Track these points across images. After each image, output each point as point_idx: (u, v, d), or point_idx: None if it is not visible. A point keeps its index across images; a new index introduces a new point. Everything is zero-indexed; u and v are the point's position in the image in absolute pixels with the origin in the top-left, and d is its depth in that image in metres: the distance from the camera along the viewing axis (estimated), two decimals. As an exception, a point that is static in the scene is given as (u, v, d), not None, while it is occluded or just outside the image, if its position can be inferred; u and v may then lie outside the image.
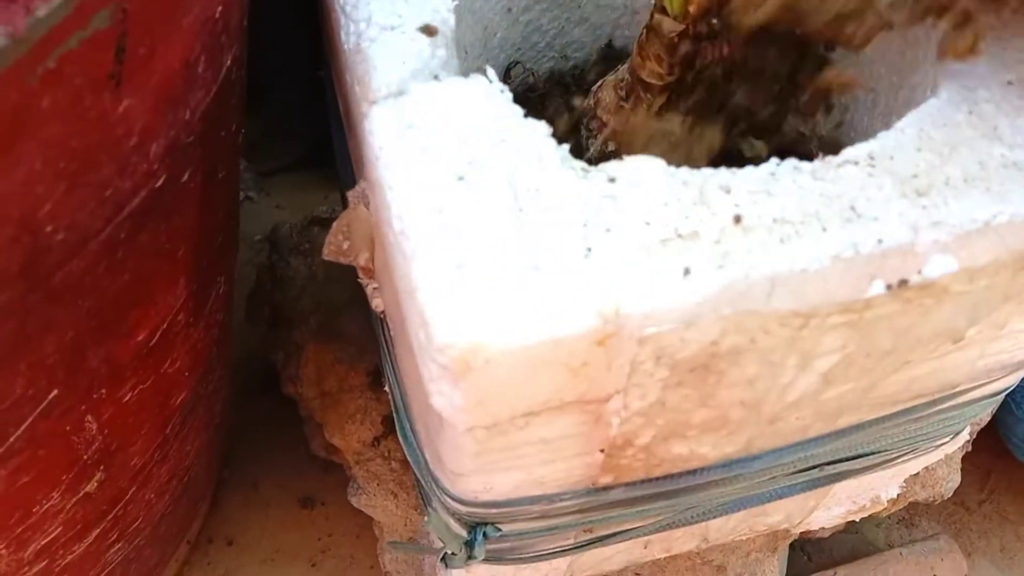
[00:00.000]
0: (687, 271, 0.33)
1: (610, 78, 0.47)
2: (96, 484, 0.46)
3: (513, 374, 0.33)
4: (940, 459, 0.72)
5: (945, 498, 0.73)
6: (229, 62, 0.42)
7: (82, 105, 0.30)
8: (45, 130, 0.29)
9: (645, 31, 0.44)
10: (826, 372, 0.38)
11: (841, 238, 0.34)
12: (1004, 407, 0.81)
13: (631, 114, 0.46)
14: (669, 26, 0.42)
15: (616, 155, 0.41)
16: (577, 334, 0.32)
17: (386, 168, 0.35)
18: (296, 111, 0.92)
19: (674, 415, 0.38)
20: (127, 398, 0.45)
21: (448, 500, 0.44)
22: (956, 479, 0.73)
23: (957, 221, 0.35)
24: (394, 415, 0.50)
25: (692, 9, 0.41)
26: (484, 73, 0.38)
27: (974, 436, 0.77)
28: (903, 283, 0.33)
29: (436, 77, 0.38)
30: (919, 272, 0.33)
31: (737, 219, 0.34)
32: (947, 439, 0.56)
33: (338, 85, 0.47)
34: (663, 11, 0.42)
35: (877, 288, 0.33)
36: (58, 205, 0.32)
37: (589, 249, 0.33)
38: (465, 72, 0.40)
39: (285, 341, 0.75)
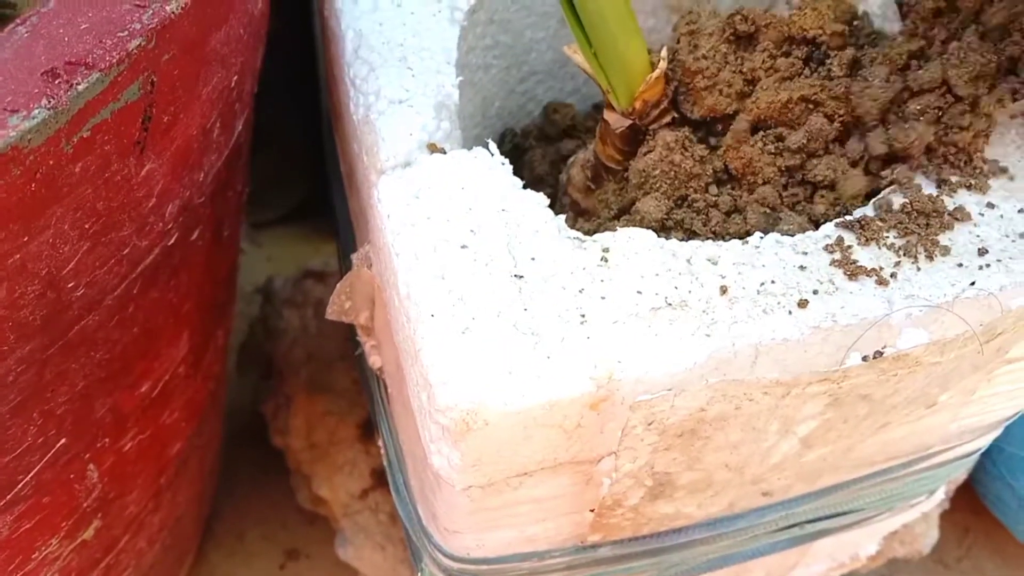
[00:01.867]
0: (678, 339, 0.35)
1: (580, 156, 0.49)
2: (93, 531, 0.47)
3: (510, 435, 0.35)
4: (917, 517, 0.73)
5: (923, 554, 0.74)
6: (240, 127, 0.44)
7: (109, 170, 0.32)
8: (75, 194, 0.31)
9: (601, 122, 0.45)
10: (806, 437, 0.40)
11: (820, 310, 0.36)
12: (979, 466, 0.83)
13: (598, 194, 0.47)
14: (615, 122, 0.44)
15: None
16: (572, 398, 0.34)
17: (393, 235, 0.37)
18: (289, 163, 0.94)
19: (662, 477, 0.40)
20: (127, 447, 0.46)
21: (440, 556, 0.45)
22: (934, 535, 0.74)
23: (928, 295, 0.37)
24: (387, 469, 0.52)
25: (638, 105, 0.43)
26: (486, 145, 0.40)
27: (951, 495, 0.78)
28: (878, 355, 0.35)
29: (442, 150, 0.40)
30: (894, 345, 0.35)
31: (723, 290, 0.36)
32: (923, 498, 0.58)
33: (343, 151, 0.49)
34: (611, 107, 0.44)
35: (854, 359, 0.35)
36: (80, 263, 0.33)
37: (584, 316, 0.35)
38: (465, 141, 0.42)
39: (275, 392, 0.76)
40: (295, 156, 0.94)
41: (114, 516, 0.49)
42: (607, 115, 0.45)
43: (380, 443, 0.53)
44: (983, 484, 0.85)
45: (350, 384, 0.73)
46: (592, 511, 0.42)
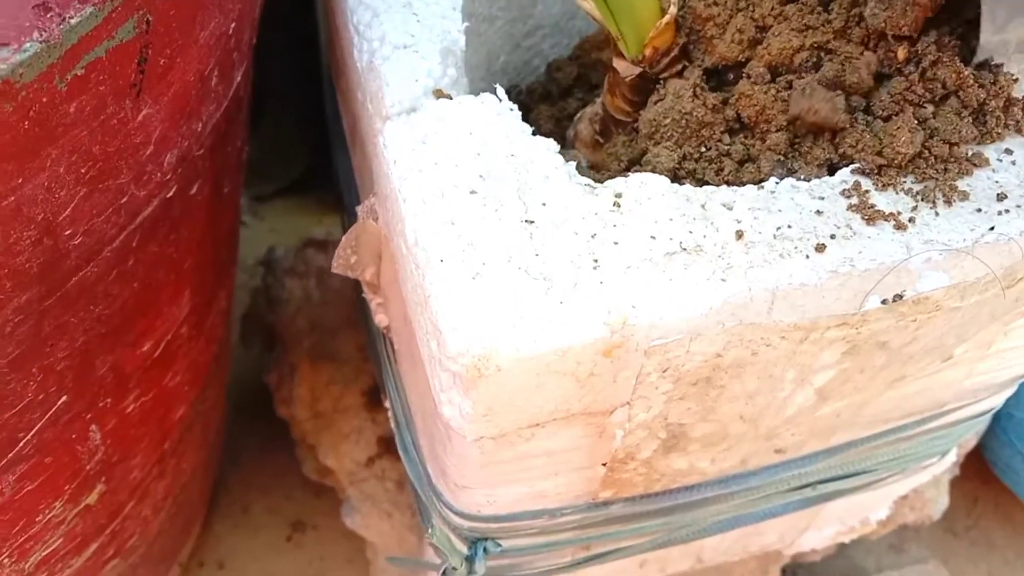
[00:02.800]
0: (692, 284, 0.34)
1: (588, 110, 0.48)
2: (97, 496, 0.46)
3: (522, 383, 0.34)
4: (928, 481, 0.73)
5: (934, 520, 0.74)
6: (239, 78, 0.43)
7: (105, 112, 0.31)
8: (70, 135, 0.30)
9: (611, 71, 0.44)
10: (822, 387, 0.39)
11: (838, 255, 0.35)
12: (990, 431, 0.82)
13: (607, 147, 0.46)
14: (625, 70, 0.43)
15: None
16: (585, 344, 0.33)
17: (400, 180, 0.36)
18: (290, 135, 0.93)
19: (676, 429, 0.39)
20: (130, 409, 0.45)
21: (450, 514, 0.45)
22: (944, 501, 0.74)
23: (947, 239, 0.36)
24: (394, 431, 0.51)
25: (648, 53, 0.42)
26: (493, 91, 0.39)
27: (961, 460, 0.78)
28: (898, 298, 0.34)
29: (448, 96, 0.39)
30: (913, 288, 0.34)
31: (739, 235, 0.35)
32: (935, 459, 0.57)
33: (346, 103, 0.48)
34: (620, 55, 0.43)
35: (873, 302, 0.34)
36: (77, 210, 0.32)
37: (597, 261, 0.34)
38: (473, 92, 0.41)
39: (279, 363, 0.76)
40: (296, 127, 0.93)
41: (118, 480, 0.48)
42: (616, 63, 0.43)
43: (387, 404, 0.52)
44: (993, 451, 0.85)
45: (355, 352, 0.72)
46: (604, 465, 0.41)
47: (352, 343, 0.73)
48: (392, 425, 0.51)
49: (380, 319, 0.47)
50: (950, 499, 0.76)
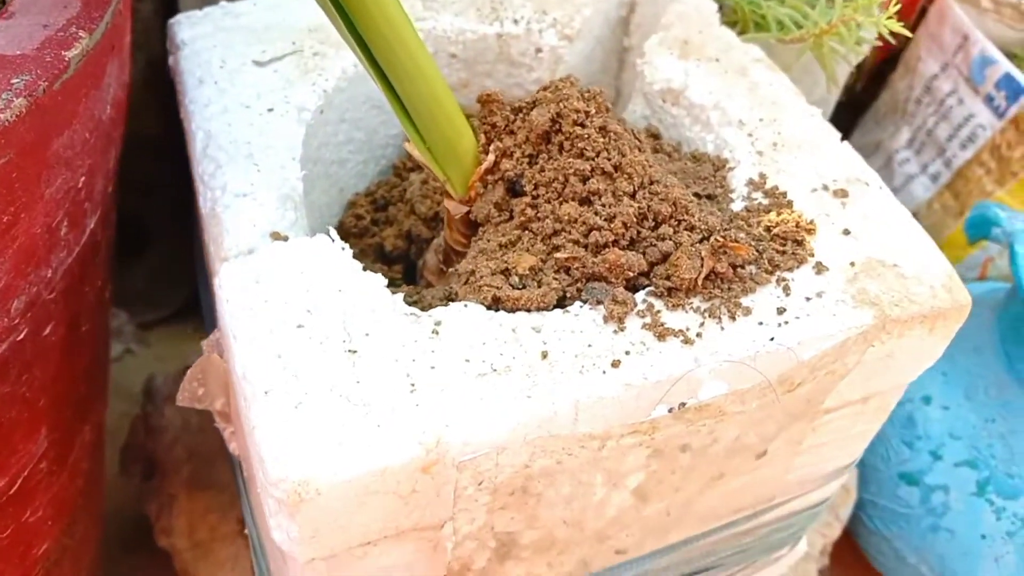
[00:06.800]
0: (501, 401, 0.38)
1: (434, 242, 0.52)
2: (-55, 641, 0.46)
3: (343, 505, 0.36)
4: (795, 573, 0.76)
5: (806, 611, 0.77)
6: (93, 224, 0.46)
7: (-57, 270, 0.34)
8: (-95, 293, 0.32)
9: (445, 209, 0.48)
10: (638, 488, 0.43)
11: (633, 369, 0.39)
12: (857, 520, 0.87)
13: (451, 275, 0.50)
14: (455, 208, 0.47)
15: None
16: (402, 463, 0.36)
17: (231, 318, 0.39)
18: (177, 262, 0.95)
19: (504, 537, 0.42)
20: (-18, 548, 0.46)
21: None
22: (817, 593, 0.77)
23: (730, 351, 0.40)
24: (252, 557, 0.52)
25: (473, 193, 0.46)
26: (327, 232, 0.43)
27: (828, 550, 0.82)
28: (682, 406, 0.38)
29: (285, 238, 0.43)
30: (695, 396, 0.39)
31: (544, 355, 0.39)
32: (784, 550, 0.61)
33: (200, 247, 0.51)
34: (449, 196, 0.47)
35: (661, 411, 0.38)
36: (-85, 360, 0.34)
37: (413, 385, 0.38)
38: (320, 229, 0.45)
39: (158, 492, 0.76)
40: (180, 256, 0.95)
41: (-29, 623, 0.48)
42: (447, 203, 0.48)
43: (246, 532, 0.53)
44: (863, 538, 0.89)
45: (231, 479, 0.73)
46: (443, 578, 0.43)
47: (229, 470, 0.73)
48: (251, 552, 0.53)
49: (233, 447, 0.49)
50: (829, 589, 0.80)
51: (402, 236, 0.56)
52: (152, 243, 0.96)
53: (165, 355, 0.99)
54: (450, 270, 0.51)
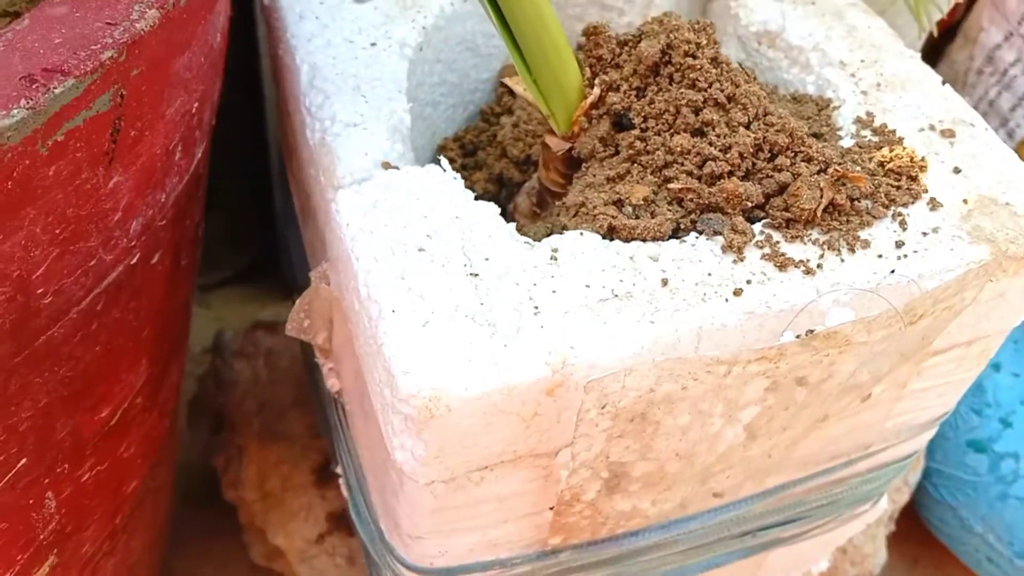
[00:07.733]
0: (625, 326, 0.37)
1: (526, 185, 0.52)
2: (48, 569, 0.46)
3: (471, 423, 0.36)
4: (865, 536, 0.76)
5: (874, 575, 0.76)
6: (199, 155, 0.46)
7: (80, 177, 0.34)
8: (47, 197, 0.32)
9: (544, 147, 0.48)
10: (750, 424, 0.42)
11: (754, 298, 0.39)
12: (922, 490, 0.86)
13: (545, 218, 0.50)
14: (556, 145, 0.46)
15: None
16: (529, 383, 0.36)
17: (352, 241, 0.39)
18: (238, 225, 0.95)
19: (617, 468, 0.41)
20: (85, 478, 0.46)
21: (402, 569, 0.46)
22: (883, 555, 0.76)
23: (852, 281, 0.40)
24: (347, 496, 0.52)
25: (576, 129, 0.46)
26: (438, 162, 0.43)
27: (896, 516, 0.81)
28: (810, 332, 0.38)
29: (396, 167, 0.43)
30: (823, 323, 0.38)
31: (664, 282, 0.39)
32: (867, 505, 0.60)
33: (297, 181, 0.51)
34: (552, 132, 0.47)
35: (788, 337, 0.38)
36: (50, 269, 0.34)
37: (537, 308, 0.37)
38: (419, 166, 0.44)
39: (227, 445, 0.76)
40: (243, 218, 0.95)
41: (70, 554, 0.48)
42: (548, 139, 0.48)
43: (339, 470, 0.53)
44: (927, 508, 0.88)
45: (303, 431, 0.73)
46: (552, 509, 0.43)
47: (301, 422, 0.74)
48: (344, 491, 0.53)
49: (332, 383, 0.49)
50: (890, 559, 0.79)
51: (492, 180, 0.55)
52: (215, 206, 0.97)
53: (224, 316, 0.99)
54: (544, 212, 0.51)
